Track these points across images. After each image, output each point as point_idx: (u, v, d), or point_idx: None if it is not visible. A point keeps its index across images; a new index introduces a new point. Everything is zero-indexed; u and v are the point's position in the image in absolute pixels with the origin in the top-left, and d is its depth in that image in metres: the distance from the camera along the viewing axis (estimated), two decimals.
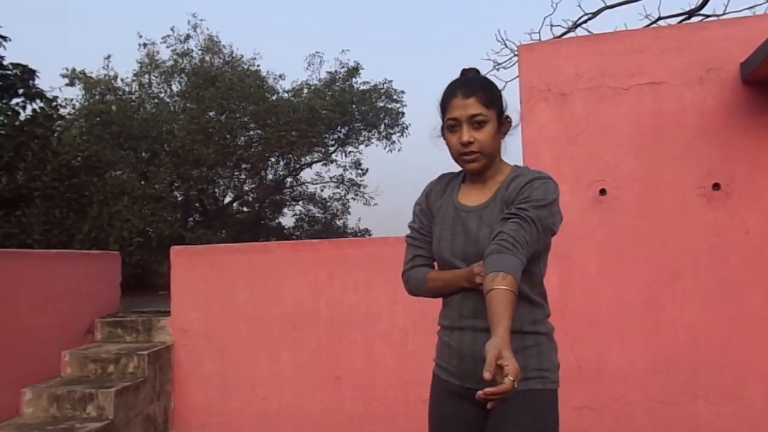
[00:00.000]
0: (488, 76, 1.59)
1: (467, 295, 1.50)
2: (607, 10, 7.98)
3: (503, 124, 1.56)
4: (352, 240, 7.53)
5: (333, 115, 12.96)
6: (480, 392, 1.14)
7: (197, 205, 13.13)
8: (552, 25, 10.82)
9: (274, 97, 13.25)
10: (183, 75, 13.27)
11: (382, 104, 13.95)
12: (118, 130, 11.10)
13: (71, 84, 13.30)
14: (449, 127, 1.53)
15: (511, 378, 1.17)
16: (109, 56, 13.67)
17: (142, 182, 10.75)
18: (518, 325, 1.38)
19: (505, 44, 8.43)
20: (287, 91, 13.88)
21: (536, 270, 1.51)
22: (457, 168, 1.65)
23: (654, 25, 7.47)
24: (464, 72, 1.63)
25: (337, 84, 13.81)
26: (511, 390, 1.17)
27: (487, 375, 1.18)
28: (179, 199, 12.42)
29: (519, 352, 1.28)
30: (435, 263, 1.66)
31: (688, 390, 3.35)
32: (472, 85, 1.52)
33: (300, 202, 15.61)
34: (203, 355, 4.06)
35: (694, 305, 3.36)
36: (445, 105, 1.54)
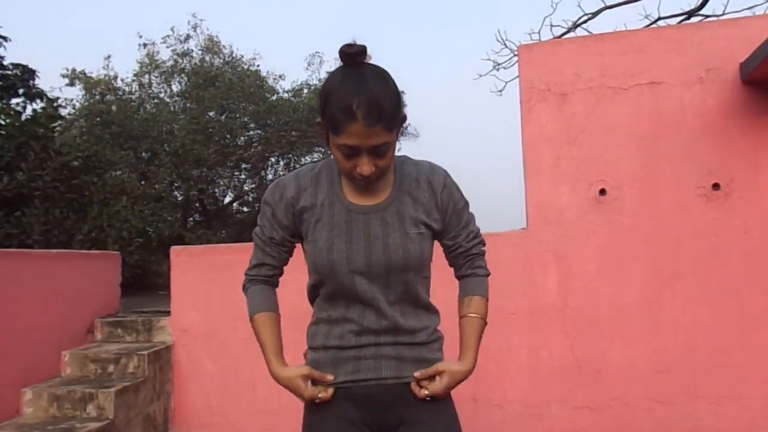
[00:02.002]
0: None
1: (367, 312, 1.30)
2: (607, 10, 8.00)
3: (400, 127, 1.27)
4: None
5: None
6: (417, 373, 1.31)
7: (197, 205, 13.15)
8: (552, 25, 10.89)
9: (274, 97, 13.27)
10: (183, 75, 13.29)
11: None
12: (118, 130, 11.12)
13: (71, 84, 13.33)
14: (342, 150, 1.19)
15: (426, 393, 1.31)
16: (109, 56, 13.72)
17: (142, 182, 10.77)
18: (425, 337, 1.34)
19: (505, 44, 8.47)
20: (287, 91, 13.91)
21: (430, 274, 1.39)
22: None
23: (654, 25, 7.47)
24: (348, 54, 1.19)
25: None
26: (419, 397, 1.31)
27: (417, 374, 1.32)
28: (179, 199, 12.43)
29: (427, 364, 1.33)
30: (277, 277, 1.50)
31: (688, 390, 3.35)
32: (375, 105, 1.14)
33: None
34: (203, 355, 4.06)
35: (694, 305, 3.36)
36: (337, 121, 1.16)
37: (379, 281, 1.29)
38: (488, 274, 1.47)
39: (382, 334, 1.30)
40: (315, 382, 1.32)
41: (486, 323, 1.43)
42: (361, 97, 1.14)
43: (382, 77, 1.21)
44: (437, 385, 1.30)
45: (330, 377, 1.30)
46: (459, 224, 1.39)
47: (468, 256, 1.43)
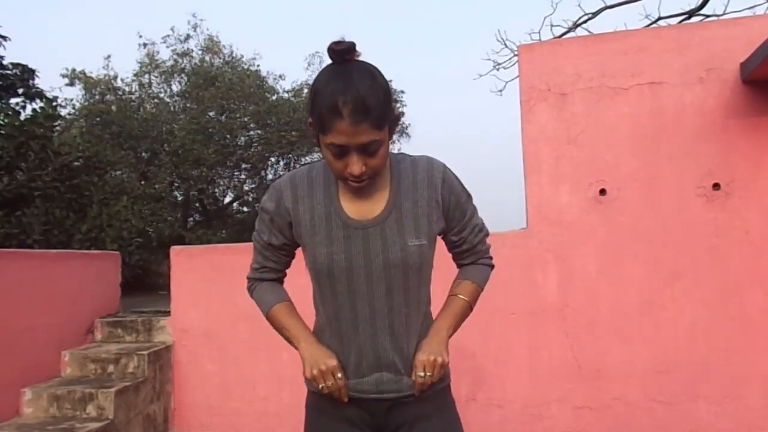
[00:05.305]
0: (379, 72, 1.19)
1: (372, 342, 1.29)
2: (607, 10, 8.00)
3: (393, 125, 1.23)
4: None
5: None
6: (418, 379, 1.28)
7: (197, 205, 13.14)
8: (552, 25, 10.92)
9: (274, 97, 13.26)
10: (183, 75, 13.29)
11: None
12: (118, 130, 11.10)
13: (71, 84, 13.34)
14: (331, 149, 1.17)
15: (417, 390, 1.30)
16: (109, 56, 13.74)
17: (142, 182, 10.76)
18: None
19: (505, 44, 8.49)
20: (287, 91, 13.90)
21: (430, 280, 1.39)
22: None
23: (654, 25, 7.48)
24: (336, 51, 1.17)
25: None
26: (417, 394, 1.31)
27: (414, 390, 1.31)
28: (179, 199, 12.42)
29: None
30: (283, 276, 1.49)
31: (688, 390, 3.35)
32: (361, 103, 1.11)
33: None
34: (203, 355, 4.06)
35: (694, 305, 3.36)
36: (324, 120, 1.14)
37: (380, 295, 1.28)
38: (491, 266, 1.46)
39: (381, 355, 1.29)
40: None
41: (471, 308, 1.40)
42: (346, 94, 1.11)
43: (370, 74, 1.17)
44: (418, 381, 1.28)
45: (346, 400, 1.30)
46: (463, 218, 1.36)
47: (474, 252, 1.43)
